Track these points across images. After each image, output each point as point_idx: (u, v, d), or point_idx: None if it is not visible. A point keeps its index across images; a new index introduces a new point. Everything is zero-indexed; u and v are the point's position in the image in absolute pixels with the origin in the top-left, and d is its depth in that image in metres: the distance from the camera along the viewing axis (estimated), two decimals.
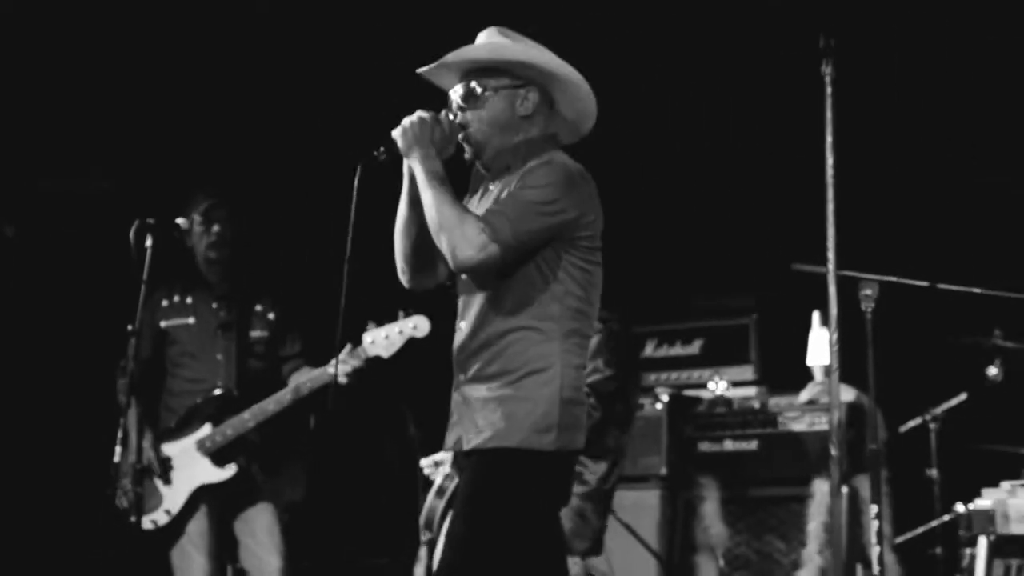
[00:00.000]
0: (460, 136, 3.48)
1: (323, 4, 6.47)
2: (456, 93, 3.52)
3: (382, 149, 3.47)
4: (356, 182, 3.50)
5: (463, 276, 3.50)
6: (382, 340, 5.07)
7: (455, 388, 3.51)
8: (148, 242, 4.85)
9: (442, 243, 3.30)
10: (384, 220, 3.57)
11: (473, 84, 3.48)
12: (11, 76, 6.20)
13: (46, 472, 5.95)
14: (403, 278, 3.65)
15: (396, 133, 3.41)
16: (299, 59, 6.67)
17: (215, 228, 5.41)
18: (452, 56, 3.49)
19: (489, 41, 3.60)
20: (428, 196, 3.35)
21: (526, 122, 3.55)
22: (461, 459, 3.54)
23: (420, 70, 3.54)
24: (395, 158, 3.44)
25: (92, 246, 5.49)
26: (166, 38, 6.55)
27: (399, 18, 6.33)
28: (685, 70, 6.84)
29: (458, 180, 3.44)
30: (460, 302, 3.55)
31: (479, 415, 3.40)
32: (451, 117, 3.46)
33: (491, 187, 3.57)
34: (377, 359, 5.11)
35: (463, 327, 3.50)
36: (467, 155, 3.54)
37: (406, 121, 3.40)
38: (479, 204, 3.55)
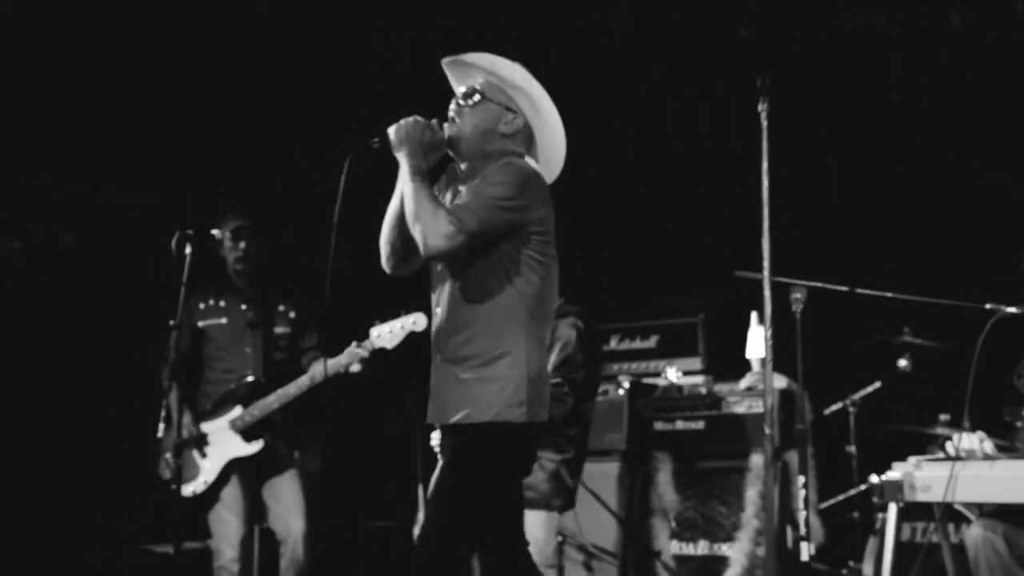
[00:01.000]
0: (447, 135, 3.46)
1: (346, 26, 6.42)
2: (460, 89, 3.51)
3: (377, 139, 3.43)
4: (346, 166, 3.45)
5: (438, 267, 3.48)
6: (386, 334, 5.05)
7: (434, 367, 3.48)
8: (187, 250, 4.90)
9: (416, 231, 3.30)
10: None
11: (477, 88, 3.47)
12: (67, 104, 6.15)
13: (100, 446, 5.88)
14: (386, 265, 3.62)
15: (391, 129, 3.38)
16: (316, 78, 6.60)
17: (242, 245, 5.46)
18: (472, 56, 3.52)
19: (508, 64, 3.56)
20: (408, 188, 3.34)
21: (504, 139, 3.52)
22: (443, 431, 3.51)
23: (445, 60, 3.56)
24: (387, 149, 3.42)
25: (138, 252, 5.43)
26: (204, 76, 6.51)
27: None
28: (651, 108, 6.81)
29: None
30: (435, 292, 3.52)
31: (456, 394, 3.39)
32: (443, 126, 3.44)
33: (461, 189, 3.53)
34: (382, 350, 5.09)
35: (438, 312, 3.47)
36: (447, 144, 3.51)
37: (402, 120, 3.38)
38: (451, 203, 3.50)
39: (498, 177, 3.35)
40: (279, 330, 5.60)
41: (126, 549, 5.84)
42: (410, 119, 3.39)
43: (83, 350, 6.07)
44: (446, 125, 3.49)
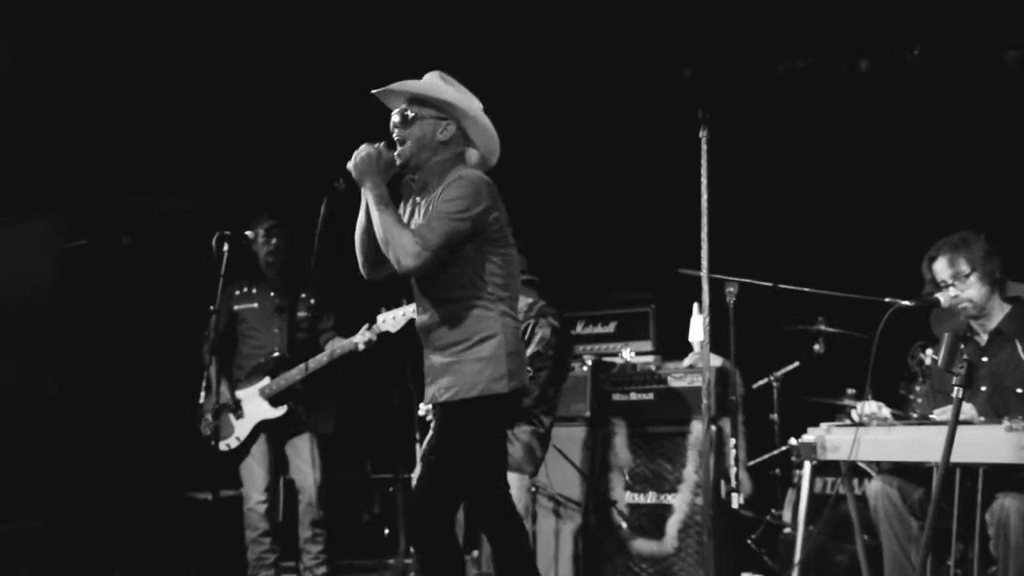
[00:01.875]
0: (396, 155, 3.43)
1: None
2: (396, 114, 3.48)
3: (341, 181, 3.44)
4: (323, 208, 3.54)
5: None
6: (391, 319, 5.09)
7: (425, 356, 3.50)
8: (225, 247, 4.89)
9: (389, 254, 3.31)
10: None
11: (408, 111, 3.45)
12: (122, 128, 6.15)
13: (151, 409, 5.89)
14: (363, 270, 3.62)
15: (350, 166, 3.36)
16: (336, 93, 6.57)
17: (273, 241, 5.53)
18: (396, 85, 3.48)
19: (427, 81, 3.54)
20: (376, 217, 3.33)
21: (443, 146, 3.50)
22: (437, 408, 3.49)
23: (374, 91, 3.51)
24: (351, 185, 3.41)
25: (183, 250, 5.44)
26: (239, 106, 6.49)
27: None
28: (613, 137, 6.82)
29: None
30: (416, 291, 3.52)
31: (445, 377, 3.39)
32: (388, 148, 3.43)
33: (419, 201, 3.53)
34: (387, 333, 5.11)
35: (421, 310, 3.50)
36: (398, 163, 3.47)
37: (356, 155, 3.37)
38: (413, 216, 3.52)
39: (453, 193, 3.33)
40: (301, 314, 5.63)
41: (172, 495, 5.82)
42: (362, 152, 3.38)
43: (138, 331, 6.07)
44: (397, 147, 3.48)
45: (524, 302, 5.13)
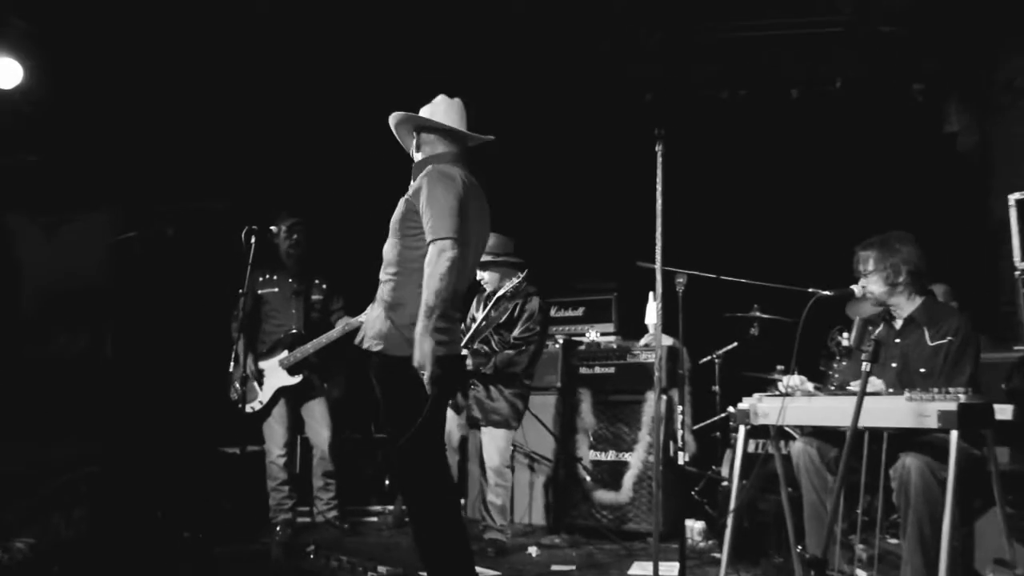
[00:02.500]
0: None
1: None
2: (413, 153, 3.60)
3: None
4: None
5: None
6: None
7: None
8: (252, 240, 4.83)
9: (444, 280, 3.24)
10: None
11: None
12: (172, 136, 6.13)
13: (189, 375, 5.88)
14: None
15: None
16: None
17: (294, 236, 5.53)
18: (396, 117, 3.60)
19: (410, 118, 3.58)
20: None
21: (421, 150, 3.57)
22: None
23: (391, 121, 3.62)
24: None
25: (218, 242, 5.43)
26: (267, 121, 6.47)
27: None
28: (582, 151, 6.83)
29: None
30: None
31: (376, 327, 3.37)
32: None
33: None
34: None
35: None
36: None
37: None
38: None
39: (429, 193, 3.31)
40: (315, 297, 5.64)
41: (206, 449, 5.82)
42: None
43: (178, 309, 6.07)
44: None
45: (512, 283, 5.15)
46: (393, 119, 3.59)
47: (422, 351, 3.15)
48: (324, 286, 5.65)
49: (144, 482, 5.44)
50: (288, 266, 5.59)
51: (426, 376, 3.16)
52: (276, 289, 5.55)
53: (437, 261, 3.21)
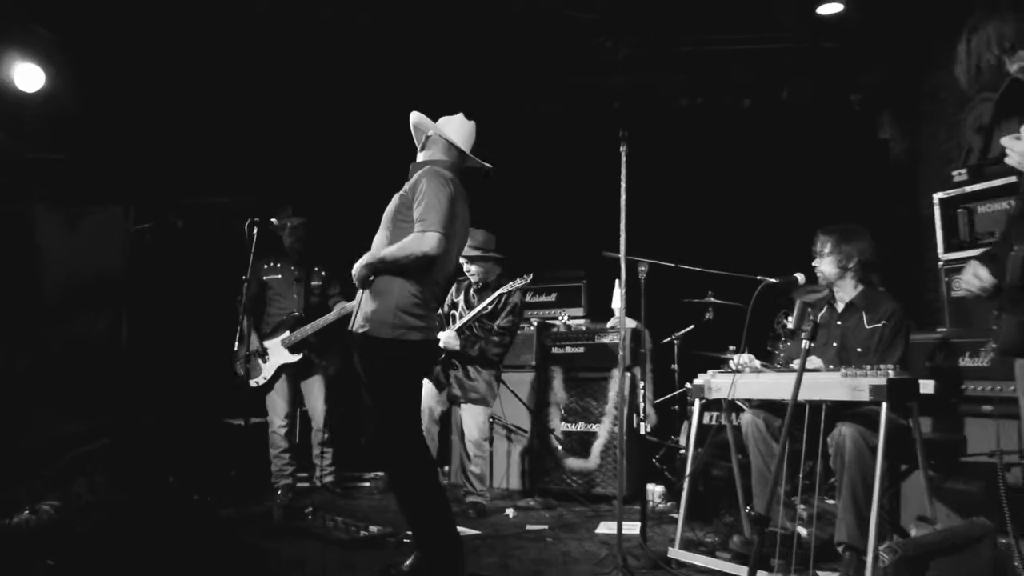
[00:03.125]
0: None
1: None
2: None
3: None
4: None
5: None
6: None
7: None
8: (254, 231, 4.80)
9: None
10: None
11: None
12: (181, 137, 6.08)
13: (198, 354, 5.84)
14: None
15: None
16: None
17: (299, 232, 5.54)
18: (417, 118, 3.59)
19: (426, 121, 3.59)
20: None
21: (424, 152, 3.58)
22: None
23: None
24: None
25: (223, 233, 5.40)
26: (272, 122, 6.42)
27: None
28: (557, 152, 6.83)
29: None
30: None
31: (364, 309, 3.35)
32: None
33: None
34: None
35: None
36: None
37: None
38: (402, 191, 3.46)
39: (426, 188, 3.31)
40: (315, 283, 5.65)
41: (213, 421, 5.79)
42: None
43: (187, 294, 6.03)
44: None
45: (494, 272, 5.17)
46: (413, 117, 3.60)
47: (359, 274, 3.33)
48: (323, 273, 5.66)
49: (157, 451, 5.42)
50: (291, 256, 5.61)
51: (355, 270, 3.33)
52: (279, 276, 5.55)
53: (419, 241, 3.23)
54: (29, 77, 5.26)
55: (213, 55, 5.87)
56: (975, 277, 2.52)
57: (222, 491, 5.10)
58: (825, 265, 3.89)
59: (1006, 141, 2.31)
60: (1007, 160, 2.31)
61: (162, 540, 4.32)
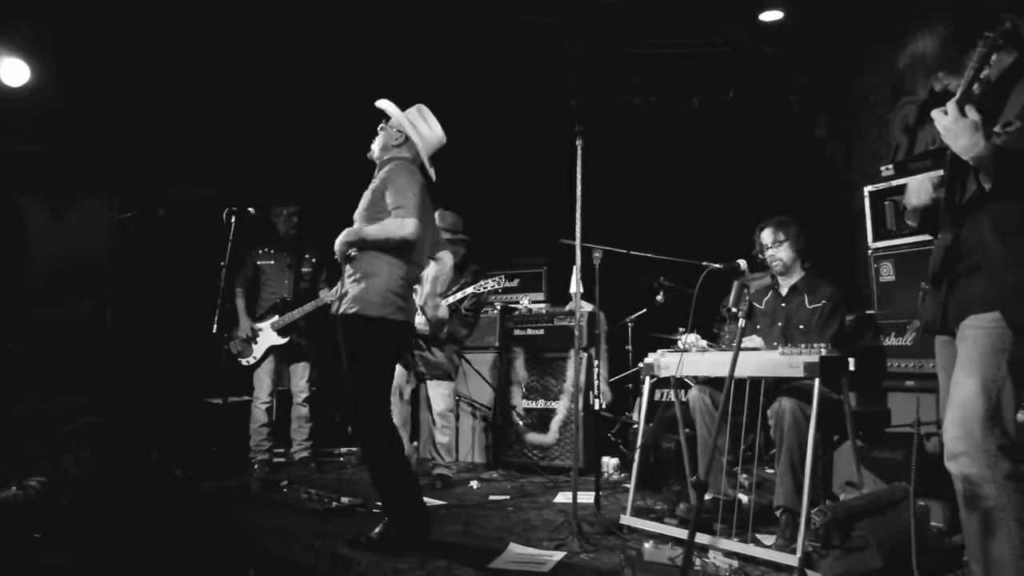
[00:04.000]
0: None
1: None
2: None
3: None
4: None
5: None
6: None
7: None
8: (232, 219, 4.74)
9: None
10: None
11: (383, 123, 3.53)
12: (163, 131, 5.95)
13: (178, 336, 5.79)
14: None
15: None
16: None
17: (293, 220, 5.52)
18: (380, 103, 3.55)
19: (394, 108, 3.55)
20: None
21: (394, 149, 3.50)
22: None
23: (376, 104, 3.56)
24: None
25: (203, 221, 5.32)
26: (254, 114, 6.31)
27: None
28: (518, 146, 6.80)
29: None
30: None
31: (350, 295, 3.34)
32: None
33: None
34: None
35: None
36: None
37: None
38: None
39: (396, 183, 3.31)
40: (305, 270, 5.61)
41: (193, 400, 5.73)
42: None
43: (169, 280, 5.99)
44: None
45: (459, 255, 5.13)
46: (391, 110, 3.54)
47: (340, 250, 3.36)
48: (313, 260, 5.62)
49: (141, 428, 5.34)
50: (285, 242, 5.59)
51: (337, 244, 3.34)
52: (272, 262, 5.56)
53: (399, 226, 3.24)
54: (14, 72, 5.12)
55: (198, 46, 5.74)
56: (915, 193, 2.55)
57: (203, 466, 5.03)
58: (783, 252, 3.94)
59: (935, 114, 2.31)
60: (939, 132, 2.30)
61: (146, 513, 4.27)
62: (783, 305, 3.95)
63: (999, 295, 2.30)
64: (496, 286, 5.00)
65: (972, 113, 2.24)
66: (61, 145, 5.62)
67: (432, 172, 3.57)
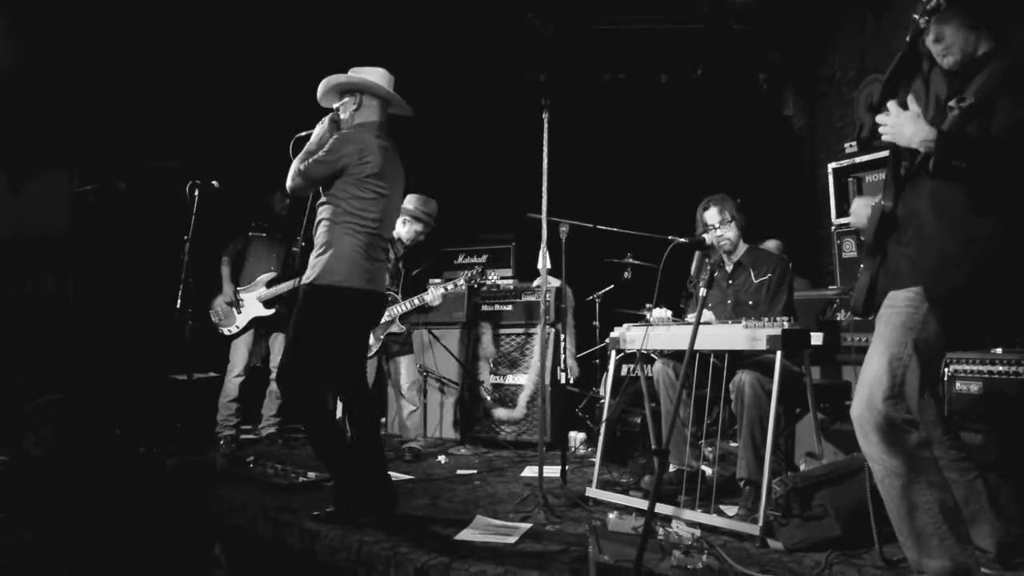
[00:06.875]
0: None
1: None
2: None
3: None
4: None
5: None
6: None
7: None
8: (195, 193, 4.66)
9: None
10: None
11: (335, 111, 3.54)
12: (125, 102, 5.82)
13: (142, 311, 5.75)
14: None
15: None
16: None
17: (286, 201, 5.58)
18: (321, 98, 3.58)
19: (326, 82, 3.53)
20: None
21: (358, 115, 3.53)
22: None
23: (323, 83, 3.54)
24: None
25: (164, 195, 5.24)
26: (221, 87, 6.18)
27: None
28: (486, 122, 6.75)
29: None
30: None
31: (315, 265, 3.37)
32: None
33: None
34: None
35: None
36: None
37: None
38: None
39: (329, 144, 3.35)
40: (294, 249, 5.63)
41: (158, 376, 5.64)
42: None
43: (131, 253, 5.89)
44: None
45: (419, 239, 5.09)
46: (336, 79, 3.51)
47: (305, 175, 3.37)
48: (303, 243, 5.53)
49: (104, 405, 5.26)
50: (279, 221, 5.64)
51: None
52: (264, 235, 5.60)
53: (293, 172, 3.38)
54: None
55: (160, 14, 5.63)
56: (860, 217, 2.61)
57: (167, 443, 4.97)
58: (730, 232, 3.93)
59: (880, 118, 2.37)
60: (883, 138, 2.37)
61: (110, 490, 4.22)
62: (730, 282, 3.97)
63: (923, 266, 2.35)
64: (466, 282, 5.02)
65: (913, 106, 2.35)
66: (17, 118, 5.47)
67: (407, 106, 3.58)
